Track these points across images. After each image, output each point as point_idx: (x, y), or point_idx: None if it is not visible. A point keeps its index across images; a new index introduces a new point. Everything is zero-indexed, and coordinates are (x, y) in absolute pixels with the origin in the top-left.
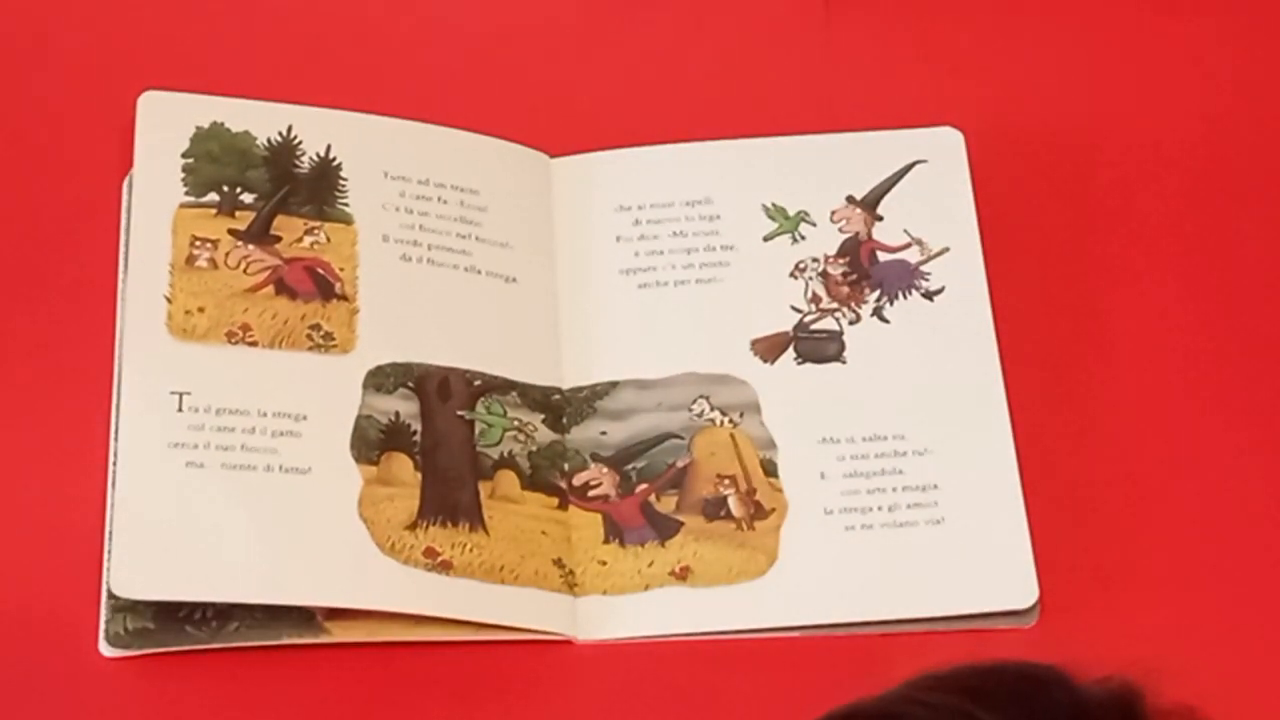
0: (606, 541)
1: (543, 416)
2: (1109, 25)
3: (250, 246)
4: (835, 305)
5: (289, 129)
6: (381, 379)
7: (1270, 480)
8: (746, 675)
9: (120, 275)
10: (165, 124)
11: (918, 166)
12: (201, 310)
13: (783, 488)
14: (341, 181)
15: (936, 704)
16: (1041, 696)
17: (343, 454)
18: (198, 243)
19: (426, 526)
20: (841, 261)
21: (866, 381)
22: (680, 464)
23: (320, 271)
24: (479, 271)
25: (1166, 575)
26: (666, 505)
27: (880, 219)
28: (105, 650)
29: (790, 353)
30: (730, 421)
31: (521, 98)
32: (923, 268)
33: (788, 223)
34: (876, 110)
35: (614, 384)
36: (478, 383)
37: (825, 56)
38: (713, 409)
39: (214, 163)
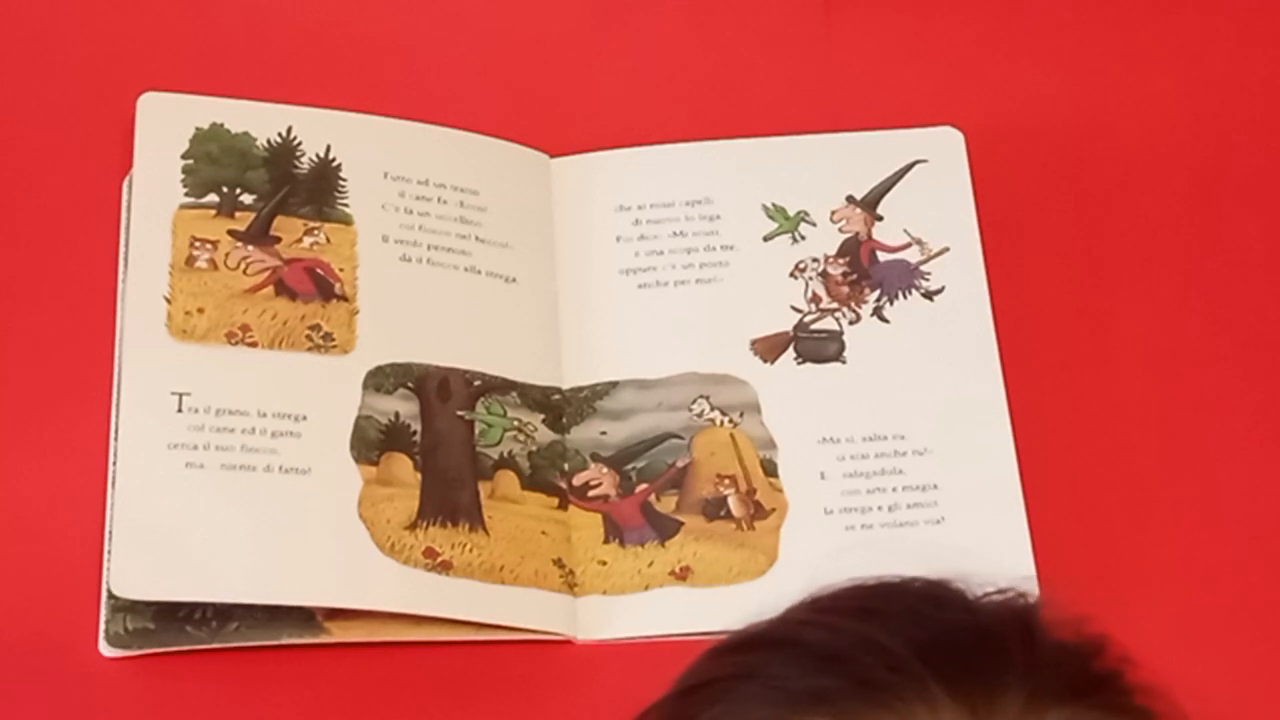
0: (606, 541)
1: (543, 416)
2: (1108, 25)
3: (250, 247)
4: (835, 305)
5: (289, 129)
6: (381, 379)
7: (1271, 480)
8: None
9: (120, 275)
10: (165, 124)
11: (918, 166)
12: (201, 311)
13: (783, 488)
14: (341, 182)
15: (836, 626)
16: (940, 616)
17: (342, 454)
18: (197, 243)
19: (426, 526)
20: (841, 261)
21: (866, 381)
22: (680, 464)
23: (320, 272)
24: (479, 272)
25: (1167, 575)
26: (666, 505)
27: (880, 219)
28: (105, 650)
29: (790, 353)
30: (730, 421)
31: (521, 98)
32: (923, 267)
33: (788, 223)
34: (876, 110)
35: (614, 384)
36: (478, 383)
37: (825, 56)
38: (713, 409)
39: (214, 163)
